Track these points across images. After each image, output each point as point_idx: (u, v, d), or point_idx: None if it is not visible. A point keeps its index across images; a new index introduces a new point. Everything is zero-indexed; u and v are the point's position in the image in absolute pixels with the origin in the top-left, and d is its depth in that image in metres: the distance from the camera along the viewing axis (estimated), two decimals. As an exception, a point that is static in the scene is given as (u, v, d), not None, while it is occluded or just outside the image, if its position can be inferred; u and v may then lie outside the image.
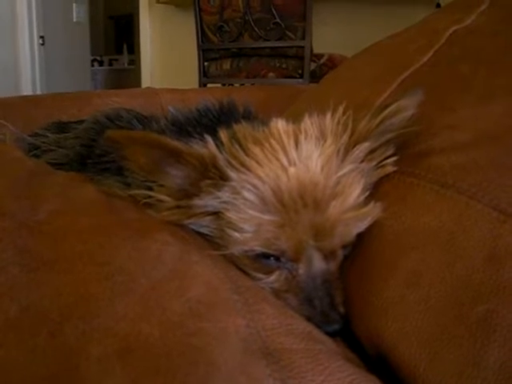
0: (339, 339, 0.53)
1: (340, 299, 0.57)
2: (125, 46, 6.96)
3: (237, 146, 0.58)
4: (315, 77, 2.65)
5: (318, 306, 0.55)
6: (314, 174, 0.56)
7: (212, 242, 0.58)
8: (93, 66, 6.22)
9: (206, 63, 2.86)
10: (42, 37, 4.23)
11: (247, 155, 0.57)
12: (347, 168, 0.58)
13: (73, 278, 0.42)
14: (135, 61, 5.93)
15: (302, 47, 2.56)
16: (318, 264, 0.57)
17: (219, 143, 0.58)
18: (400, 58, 0.84)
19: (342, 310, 0.56)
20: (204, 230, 0.59)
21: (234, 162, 0.57)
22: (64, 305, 0.40)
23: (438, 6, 2.51)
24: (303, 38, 2.55)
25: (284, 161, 0.56)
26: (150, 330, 0.38)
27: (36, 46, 4.21)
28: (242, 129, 0.61)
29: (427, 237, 0.52)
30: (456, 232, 0.50)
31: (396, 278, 0.52)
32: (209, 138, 0.58)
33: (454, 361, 0.43)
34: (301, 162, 0.56)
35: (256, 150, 0.57)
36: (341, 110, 0.62)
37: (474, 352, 0.42)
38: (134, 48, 6.16)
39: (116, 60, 7.14)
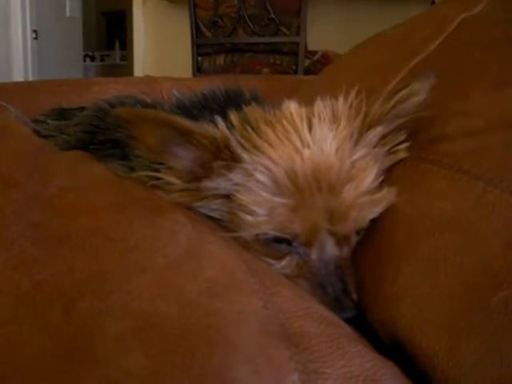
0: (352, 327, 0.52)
1: (353, 286, 0.55)
2: (117, 42, 6.93)
3: (248, 128, 0.56)
4: (309, 73, 2.65)
5: (331, 293, 0.54)
6: (329, 156, 0.54)
7: (223, 226, 0.56)
8: (85, 61, 6.19)
9: (199, 58, 2.84)
10: (34, 31, 4.20)
11: (259, 137, 0.55)
12: (361, 152, 0.56)
13: (86, 254, 0.40)
14: (127, 56, 5.90)
15: (297, 43, 2.56)
16: (331, 249, 0.55)
17: (229, 125, 0.57)
18: (408, 46, 0.82)
19: (355, 296, 0.55)
20: (214, 214, 0.57)
21: (246, 144, 0.55)
22: (77, 281, 0.38)
23: (433, 3, 2.50)
24: (298, 34, 2.55)
25: (298, 143, 0.55)
26: (167, 309, 0.36)
27: (29, 40, 4.17)
28: (252, 111, 0.60)
29: (443, 223, 0.50)
30: (473, 218, 0.48)
31: (411, 264, 0.50)
32: (219, 119, 0.56)
33: (474, 348, 0.41)
34: (315, 144, 0.55)
35: (268, 132, 0.56)
36: (353, 93, 0.61)
37: (494, 339, 0.41)
38: (125, 44, 6.13)
39: (108, 56, 7.11)
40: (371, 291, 0.54)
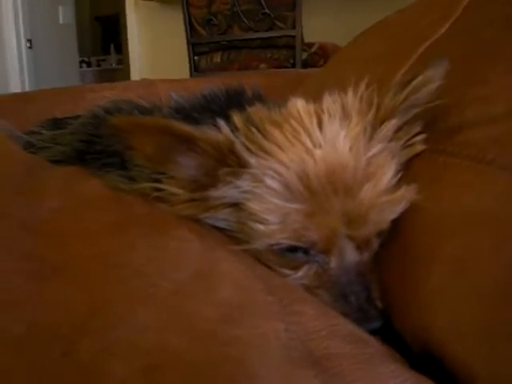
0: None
1: (377, 293, 0.52)
2: (112, 46, 6.92)
3: (254, 130, 0.53)
4: (307, 66, 2.63)
5: (355, 302, 0.50)
6: (343, 155, 0.51)
7: (232, 237, 0.53)
8: (81, 67, 6.18)
9: (196, 57, 2.81)
10: (29, 40, 4.19)
11: (266, 139, 0.52)
12: (376, 148, 0.53)
13: (84, 284, 0.36)
14: (123, 60, 5.88)
15: (293, 36, 2.53)
16: (352, 255, 0.52)
17: (233, 128, 0.53)
18: (414, 32, 0.79)
19: (380, 305, 0.51)
20: (222, 224, 0.53)
21: (252, 147, 0.51)
22: (76, 318, 0.33)
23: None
24: (293, 27, 2.52)
25: (308, 143, 0.51)
26: (177, 342, 0.32)
27: (24, 50, 4.16)
28: (257, 111, 0.56)
29: (470, 219, 0.47)
30: (502, 212, 0.45)
31: (440, 265, 0.47)
32: (221, 123, 0.52)
33: None
34: (327, 143, 0.51)
35: (276, 133, 0.52)
36: (363, 86, 0.57)
37: (539, 346, 0.37)
38: (121, 48, 6.11)
39: (103, 60, 7.11)
40: (398, 297, 0.50)
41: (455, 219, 0.48)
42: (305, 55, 2.68)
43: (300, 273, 0.52)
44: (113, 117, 0.51)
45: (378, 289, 0.52)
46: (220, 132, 0.52)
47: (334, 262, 0.52)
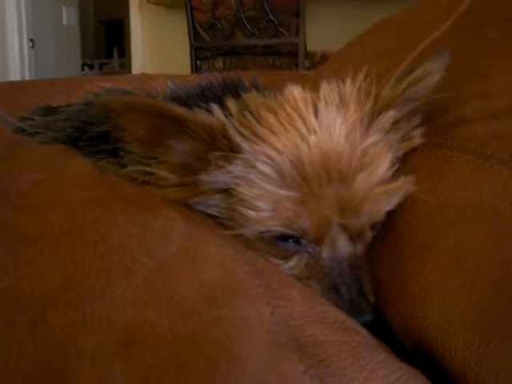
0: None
1: (369, 286, 0.51)
2: (115, 50, 6.94)
3: (248, 115, 0.51)
4: (309, 74, 2.62)
5: (346, 295, 0.49)
6: (338, 143, 0.49)
7: (222, 224, 0.51)
8: (83, 69, 6.19)
9: (198, 62, 2.81)
10: (31, 39, 4.19)
11: (260, 124, 0.51)
12: (373, 138, 0.52)
13: (60, 256, 0.34)
14: (126, 64, 5.90)
15: (296, 44, 2.53)
16: (344, 246, 0.50)
17: (227, 113, 0.52)
18: (416, 29, 0.78)
19: (372, 298, 0.50)
20: (212, 210, 0.52)
21: (245, 132, 0.50)
22: (48, 288, 0.32)
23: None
24: (297, 34, 2.52)
25: (303, 129, 0.50)
26: (156, 319, 0.31)
27: (26, 49, 4.16)
28: (252, 97, 0.55)
29: (467, 213, 0.47)
30: (500, 206, 0.45)
31: (435, 259, 0.46)
32: (215, 107, 0.51)
33: (510, 352, 0.37)
34: (322, 130, 0.50)
35: (270, 119, 0.51)
36: (361, 76, 0.56)
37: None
38: (124, 52, 6.13)
39: (106, 64, 7.14)
40: (390, 291, 0.49)
41: (452, 212, 0.48)
42: (307, 63, 2.68)
43: (291, 263, 0.51)
44: (103, 97, 0.49)
45: (371, 282, 0.51)
46: (213, 116, 0.50)
47: (325, 253, 0.50)
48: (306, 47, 2.63)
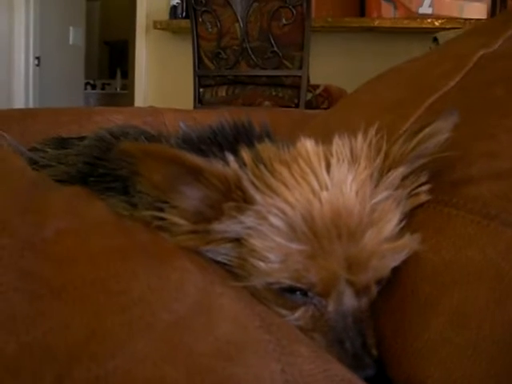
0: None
1: (373, 341, 0.51)
2: (118, 71, 6.98)
3: (262, 167, 0.52)
4: (311, 107, 2.65)
5: (350, 349, 0.49)
6: (349, 200, 0.50)
7: (231, 273, 0.52)
8: (86, 89, 6.23)
9: (201, 89, 2.82)
10: (37, 58, 4.22)
11: (274, 177, 0.52)
12: (382, 194, 0.53)
13: (84, 308, 0.35)
14: (128, 85, 5.93)
15: (299, 77, 2.55)
16: (350, 300, 0.51)
17: (241, 163, 0.53)
18: (425, 82, 0.79)
19: (375, 352, 0.51)
20: (222, 258, 0.53)
21: (259, 184, 0.51)
22: (73, 342, 0.33)
23: (435, 39, 2.48)
24: (300, 67, 2.55)
25: (315, 184, 0.51)
26: (175, 375, 0.32)
27: (31, 67, 4.19)
28: (266, 148, 0.56)
29: (471, 272, 0.47)
30: (504, 267, 0.45)
31: (438, 318, 0.47)
32: (230, 157, 0.52)
33: None
34: (333, 186, 0.51)
35: (283, 172, 0.52)
36: (372, 131, 0.57)
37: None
38: (127, 73, 6.16)
39: (109, 84, 7.17)
40: (394, 346, 0.50)
41: (457, 271, 0.48)
42: (309, 96, 2.70)
43: (297, 314, 0.52)
44: (122, 141, 0.51)
45: (374, 336, 0.52)
46: (228, 166, 0.52)
47: (331, 306, 0.51)
48: (308, 80, 2.65)
